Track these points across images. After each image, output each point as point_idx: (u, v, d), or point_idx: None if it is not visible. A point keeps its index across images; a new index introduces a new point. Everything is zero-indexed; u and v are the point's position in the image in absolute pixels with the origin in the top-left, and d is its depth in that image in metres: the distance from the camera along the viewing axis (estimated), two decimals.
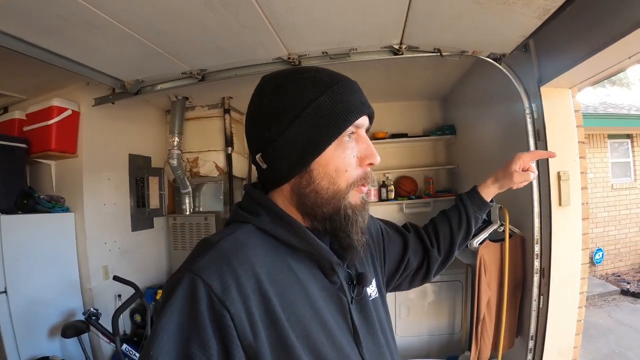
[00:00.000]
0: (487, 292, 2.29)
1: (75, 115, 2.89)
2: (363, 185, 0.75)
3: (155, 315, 0.64)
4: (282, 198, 0.77)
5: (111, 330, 2.48)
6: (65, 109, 2.80)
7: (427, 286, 3.39)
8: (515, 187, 1.12)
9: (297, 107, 0.71)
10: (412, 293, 3.38)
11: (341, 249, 0.78)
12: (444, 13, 1.71)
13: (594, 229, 6.66)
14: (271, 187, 0.79)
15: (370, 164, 0.75)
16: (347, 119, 0.71)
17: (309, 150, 0.71)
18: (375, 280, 0.92)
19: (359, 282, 0.82)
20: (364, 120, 0.75)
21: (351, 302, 0.78)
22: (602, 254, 6.65)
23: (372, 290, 0.88)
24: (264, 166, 0.76)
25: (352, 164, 0.73)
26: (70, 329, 2.52)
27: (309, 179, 0.72)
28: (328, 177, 0.72)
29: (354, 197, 0.74)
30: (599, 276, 6.61)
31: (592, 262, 6.56)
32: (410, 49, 2.08)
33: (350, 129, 0.73)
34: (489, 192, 1.14)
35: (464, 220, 1.12)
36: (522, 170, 1.10)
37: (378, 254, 1.00)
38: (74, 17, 1.61)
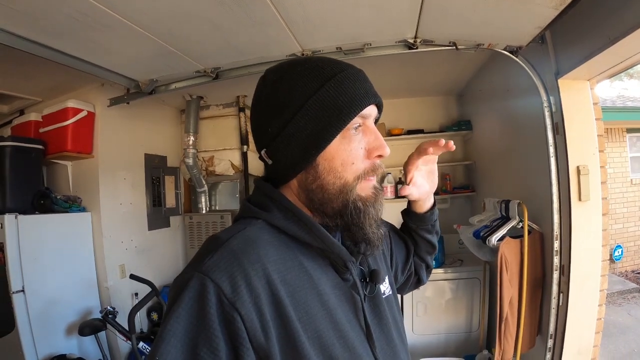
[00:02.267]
0: (510, 289, 2.24)
1: (91, 116, 2.93)
2: (370, 177, 0.72)
3: (163, 316, 0.62)
4: (290, 194, 0.75)
5: (127, 328, 2.50)
6: (81, 110, 2.84)
7: (445, 284, 3.36)
8: (428, 190, 0.97)
9: (299, 100, 0.68)
10: (430, 291, 3.36)
11: (356, 244, 0.76)
12: (458, 5, 1.68)
13: (613, 225, 6.55)
14: (279, 184, 0.76)
15: (379, 156, 0.72)
16: (351, 110, 0.68)
17: (313, 144, 0.68)
18: (388, 277, 0.90)
19: (372, 279, 0.79)
20: (370, 111, 0.72)
21: (364, 300, 0.76)
22: (622, 251, 6.52)
23: (385, 287, 0.86)
24: (270, 162, 0.74)
25: (359, 156, 0.70)
26: (87, 327, 2.56)
27: (314, 174, 0.70)
28: (334, 172, 0.69)
29: (363, 189, 0.71)
30: (618, 273, 6.50)
31: (612, 259, 6.43)
32: (425, 42, 2.05)
33: (356, 120, 0.69)
34: (420, 204, 1.02)
35: (416, 236, 1.07)
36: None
37: (388, 252, 0.99)
38: (86, 18, 1.63)
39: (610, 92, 7.86)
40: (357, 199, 0.70)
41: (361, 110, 0.69)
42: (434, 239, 1.09)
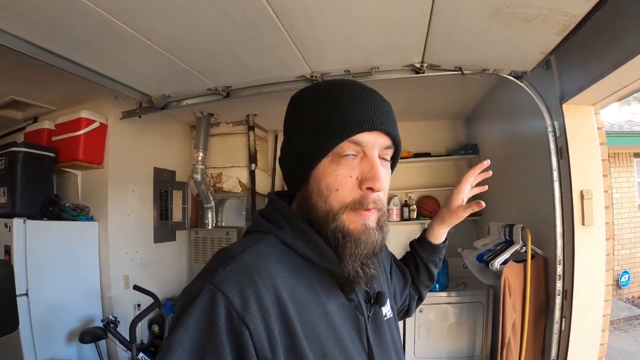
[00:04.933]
0: (513, 314, 2.22)
1: (103, 127, 2.99)
2: (359, 210, 0.68)
3: (171, 325, 0.61)
4: (298, 207, 0.76)
5: (128, 338, 2.51)
6: (94, 121, 2.91)
7: (448, 307, 3.35)
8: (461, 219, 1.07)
9: (300, 117, 0.73)
10: (432, 314, 3.34)
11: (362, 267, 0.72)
12: (464, 31, 1.73)
13: (620, 250, 6.44)
14: (291, 195, 0.79)
15: (370, 189, 0.67)
16: (338, 134, 0.66)
17: (303, 162, 0.70)
18: (389, 300, 0.90)
19: (377, 301, 0.79)
20: (368, 138, 0.68)
21: (367, 321, 0.76)
22: (629, 277, 6.42)
23: (386, 310, 0.86)
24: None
25: (346, 184, 0.68)
26: (88, 335, 2.57)
27: (307, 192, 0.71)
28: (320, 194, 0.69)
29: (352, 221, 0.68)
30: (625, 299, 6.37)
31: (618, 285, 6.33)
32: (432, 67, 2.10)
33: (348, 145, 0.67)
34: (439, 234, 1.10)
35: (422, 266, 1.10)
36: (464, 203, 1.07)
37: (389, 276, 1.00)
38: (104, 33, 1.69)
39: (619, 117, 7.85)
40: (339, 230, 0.68)
41: (351, 136, 0.66)
42: (435, 273, 1.12)
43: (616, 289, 6.34)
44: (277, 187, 4.17)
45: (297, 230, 0.71)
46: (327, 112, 0.68)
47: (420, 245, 1.10)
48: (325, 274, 0.72)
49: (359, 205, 0.68)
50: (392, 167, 0.78)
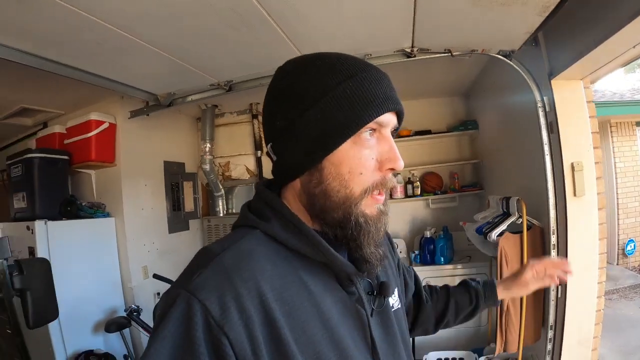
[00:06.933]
0: None
1: (112, 127, 3.09)
2: (379, 193, 0.66)
3: (151, 334, 0.58)
4: (293, 195, 0.70)
5: (152, 325, 2.64)
6: (103, 122, 3.00)
7: (454, 280, 3.39)
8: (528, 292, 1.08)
9: (312, 95, 0.63)
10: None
11: (355, 260, 0.69)
12: (448, 17, 1.79)
13: (625, 219, 6.46)
14: (282, 182, 0.71)
15: (391, 169, 0.66)
16: (366, 114, 0.62)
17: (320, 145, 0.63)
18: (398, 290, 0.85)
19: (381, 292, 0.74)
20: (388, 118, 0.65)
21: (371, 314, 0.71)
22: (634, 245, 6.43)
23: (394, 300, 0.81)
24: (274, 158, 0.69)
25: (369, 166, 0.64)
26: (113, 325, 2.70)
27: (319, 177, 0.64)
28: (340, 179, 0.63)
29: (368, 207, 0.65)
30: (631, 268, 6.40)
31: (624, 254, 6.38)
32: (422, 51, 2.16)
33: (371, 125, 0.63)
34: (501, 293, 1.08)
35: (470, 312, 1.08)
36: (537, 276, 1.05)
37: (395, 262, 0.95)
38: (109, 43, 1.78)
39: (623, 85, 7.72)
40: (360, 215, 0.64)
41: (378, 116, 0.63)
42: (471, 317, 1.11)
43: (622, 258, 6.41)
44: None
45: (287, 223, 0.66)
46: (351, 89, 0.62)
47: (485, 296, 1.07)
48: (320, 267, 0.67)
49: (380, 187, 0.65)
50: None
